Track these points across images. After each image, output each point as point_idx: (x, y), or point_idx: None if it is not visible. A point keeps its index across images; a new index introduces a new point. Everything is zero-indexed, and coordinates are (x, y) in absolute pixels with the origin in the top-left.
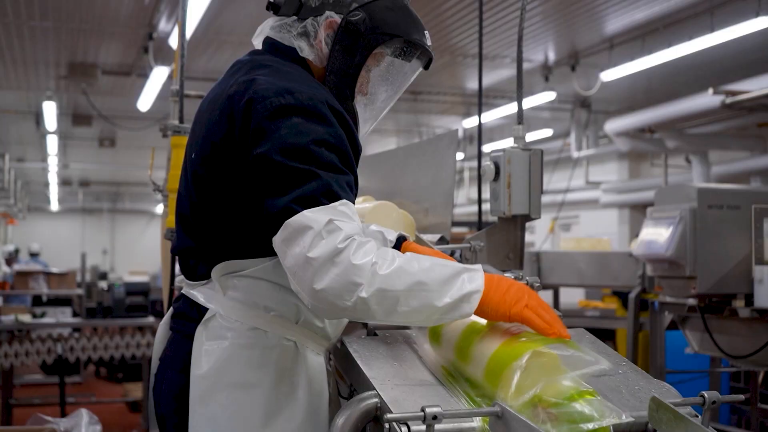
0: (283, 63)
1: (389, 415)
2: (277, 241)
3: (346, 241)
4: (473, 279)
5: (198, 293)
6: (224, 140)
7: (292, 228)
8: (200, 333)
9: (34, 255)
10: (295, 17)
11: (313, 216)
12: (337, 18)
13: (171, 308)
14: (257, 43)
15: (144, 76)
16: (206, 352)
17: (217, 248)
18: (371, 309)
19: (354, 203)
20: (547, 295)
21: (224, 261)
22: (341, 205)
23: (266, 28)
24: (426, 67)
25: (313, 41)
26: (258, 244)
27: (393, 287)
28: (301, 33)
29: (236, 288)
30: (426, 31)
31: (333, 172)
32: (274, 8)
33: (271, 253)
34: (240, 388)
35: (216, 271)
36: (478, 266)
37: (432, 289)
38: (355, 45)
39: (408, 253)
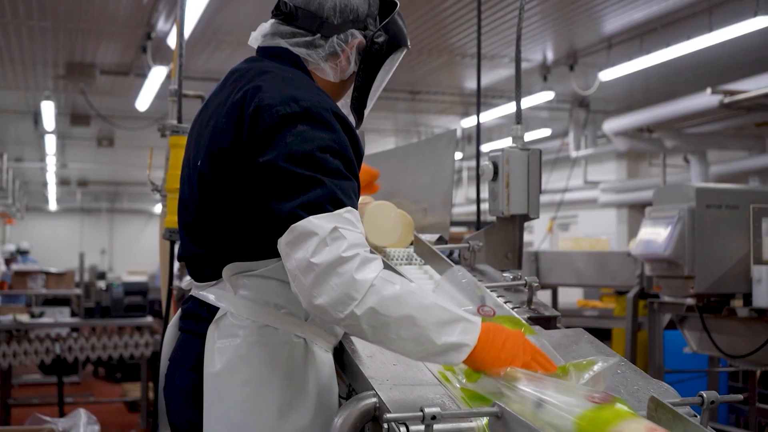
0: (282, 68)
1: (388, 415)
2: (281, 243)
3: (350, 251)
4: (468, 331)
5: (208, 293)
6: (232, 146)
7: (298, 232)
8: (212, 332)
9: (23, 253)
10: (318, 35)
11: (318, 222)
12: (362, 38)
13: (180, 310)
14: (255, 44)
15: (142, 75)
16: (219, 351)
17: (226, 252)
18: (362, 327)
19: (357, 209)
20: (545, 295)
21: (234, 262)
22: (346, 212)
23: (267, 31)
24: None
25: (339, 61)
26: (267, 246)
27: (387, 312)
28: (329, 53)
29: (246, 287)
30: None
31: (337, 179)
32: (287, 18)
33: (279, 254)
34: (253, 385)
35: (226, 270)
36: (477, 319)
37: (424, 327)
38: (378, 63)
39: (414, 285)
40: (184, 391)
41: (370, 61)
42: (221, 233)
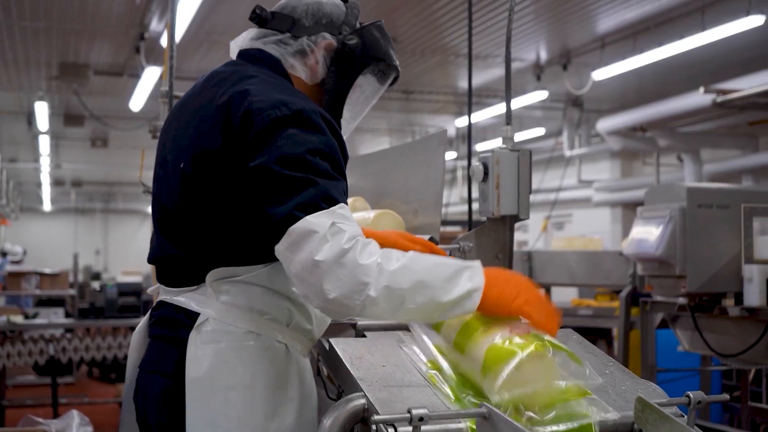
0: (268, 74)
1: (376, 417)
2: (280, 248)
3: (351, 242)
4: (474, 276)
5: (187, 299)
6: (221, 150)
7: (297, 234)
8: (194, 337)
9: (7, 255)
10: (288, 34)
11: (316, 220)
12: (333, 40)
13: (148, 316)
14: (234, 52)
15: (136, 76)
16: (202, 356)
17: (209, 256)
18: (380, 307)
19: (348, 206)
20: None
21: (217, 267)
22: (339, 208)
23: (247, 38)
24: (393, 83)
25: (308, 60)
26: (253, 252)
27: (399, 285)
28: (297, 51)
29: (229, 293)
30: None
31: (328, 179)
32: (260, 21)
33: (265, 260)
34: (237, 390)
35: (209, 276)
36: (477, 263)
37: (436, 287)
38: (350, 67)
39: (411, 253)
40: (161, 397)
41: (342, 64)
42: (204, 237)
